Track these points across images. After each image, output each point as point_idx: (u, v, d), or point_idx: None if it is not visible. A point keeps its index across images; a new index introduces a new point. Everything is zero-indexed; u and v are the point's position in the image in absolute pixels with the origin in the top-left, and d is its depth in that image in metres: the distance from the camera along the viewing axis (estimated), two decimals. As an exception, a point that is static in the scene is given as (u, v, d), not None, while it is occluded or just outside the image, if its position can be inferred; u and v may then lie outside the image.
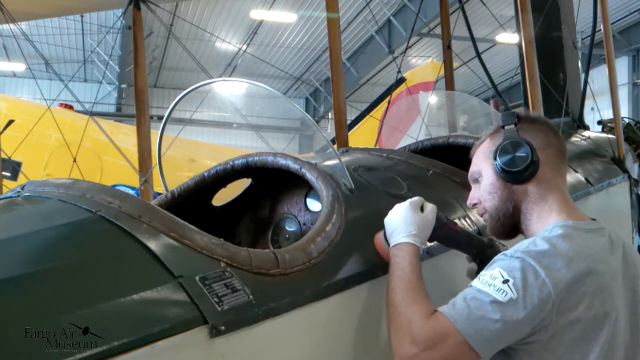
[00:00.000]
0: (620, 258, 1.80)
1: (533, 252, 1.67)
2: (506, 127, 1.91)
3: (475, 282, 1.68)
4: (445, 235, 2.01)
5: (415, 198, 1.97)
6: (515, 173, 1.85)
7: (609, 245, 1.79)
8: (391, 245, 1.89)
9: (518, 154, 1.85)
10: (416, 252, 1.85)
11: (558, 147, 1.92)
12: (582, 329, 1.65)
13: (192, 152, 11.63)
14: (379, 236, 1.96)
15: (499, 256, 1.74)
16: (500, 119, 1.95)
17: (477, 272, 1.96)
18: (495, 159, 1.88)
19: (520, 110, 2.00)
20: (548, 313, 1.62)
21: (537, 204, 1.85)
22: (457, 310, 1.64)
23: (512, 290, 1.61)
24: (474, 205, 1.99)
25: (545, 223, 1.82)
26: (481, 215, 1.98)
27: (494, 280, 1.64)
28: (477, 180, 1.98)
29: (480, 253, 2.04)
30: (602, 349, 1.66)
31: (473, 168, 2.00)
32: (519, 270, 1.63)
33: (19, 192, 1.70)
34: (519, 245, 1.74)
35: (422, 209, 1.95)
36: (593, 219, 1.86)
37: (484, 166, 1.94)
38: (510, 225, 1.90)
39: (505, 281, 1.62)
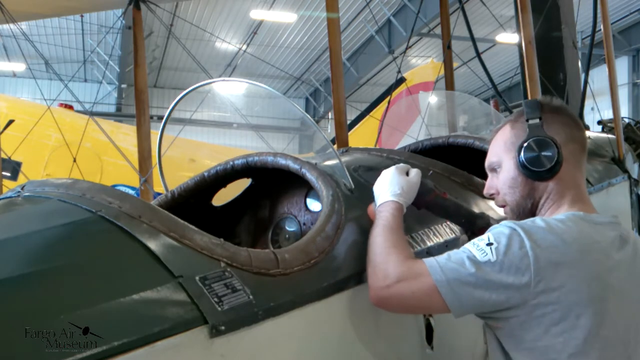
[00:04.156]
0: (630, 256, 1.79)
1: (527, 225, 1.71)
2: (530, 121, 1.87)
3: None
4: (432, 201, 2.05)
5: (401, 164, 2.06)
6: (540, 173, 1.84)
7: (617, 240, 1.78)
8: (377, 205, 1.97)
9: (544, 153, 1.83)
10: (399, 208, 1.94)
11: (580, 142, 1.91)
12: (561, 312, 1.63)
13: (192, 152, 11.61)
14: (372, 205, 2.02)
15: (498, 224, 1.77)
16: (523, 106, 1.91)
17: None
18: (519, 154, 1.86)
19: (543, 98, 1.96)
20: (524, 287, 1.62)
21: (554, 199, 1.86)
22: (436, 259, 1.71)
23: (492, 253, 1.65)
24: (491, 195, 1.98)
25: (555, 214, 1.82)
26: (501, 206, 1.97)
27: (479, 242, 1.70)
28: (494, 170, 1.96)
29: (470, 224, 2.06)
30: (586, 339, 1.64)
31: (492, 158, 1.97)
32: (506, 237, 1.67)
33: (19, 192, 1.70)
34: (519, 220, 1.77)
35: (408, 174, 2.02)
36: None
37: (505, 157, 1.91)
38: (527, 218, 1.89)
39: (489, 244, 1.67)
